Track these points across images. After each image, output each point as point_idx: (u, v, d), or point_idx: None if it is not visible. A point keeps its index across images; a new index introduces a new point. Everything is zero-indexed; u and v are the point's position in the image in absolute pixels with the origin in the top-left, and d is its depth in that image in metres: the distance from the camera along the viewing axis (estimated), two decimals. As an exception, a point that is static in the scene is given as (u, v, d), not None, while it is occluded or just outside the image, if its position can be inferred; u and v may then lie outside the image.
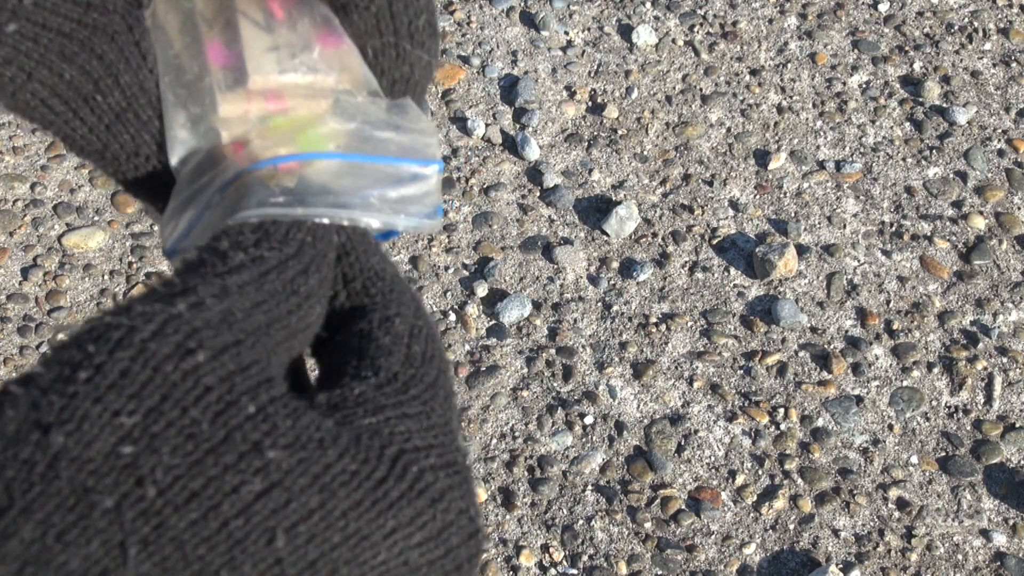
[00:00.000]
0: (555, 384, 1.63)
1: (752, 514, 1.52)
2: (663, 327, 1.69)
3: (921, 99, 1.97)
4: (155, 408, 0.25)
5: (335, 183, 0.30)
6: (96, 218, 1.82)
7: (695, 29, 2.08)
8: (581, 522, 1.51)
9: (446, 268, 1.75)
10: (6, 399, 0.25)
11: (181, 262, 0.29)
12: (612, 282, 1.74)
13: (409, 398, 0.29)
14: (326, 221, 0.30)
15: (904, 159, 1.90)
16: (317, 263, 0.30)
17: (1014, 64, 2.03)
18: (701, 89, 1.99)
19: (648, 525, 1.50)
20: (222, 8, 0.33)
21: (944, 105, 1.96)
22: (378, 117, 0.33)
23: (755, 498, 1.53)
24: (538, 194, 1.84)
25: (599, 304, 1.72)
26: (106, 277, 1.76)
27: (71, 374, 0.25)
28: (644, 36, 2.05)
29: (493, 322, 1.69)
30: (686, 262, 1.76)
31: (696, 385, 1.63)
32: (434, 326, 0.33)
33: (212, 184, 0.32)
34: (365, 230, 0.33)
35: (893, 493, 1.53)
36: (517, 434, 1.59)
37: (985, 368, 1.65)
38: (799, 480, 1.54)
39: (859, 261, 1.77)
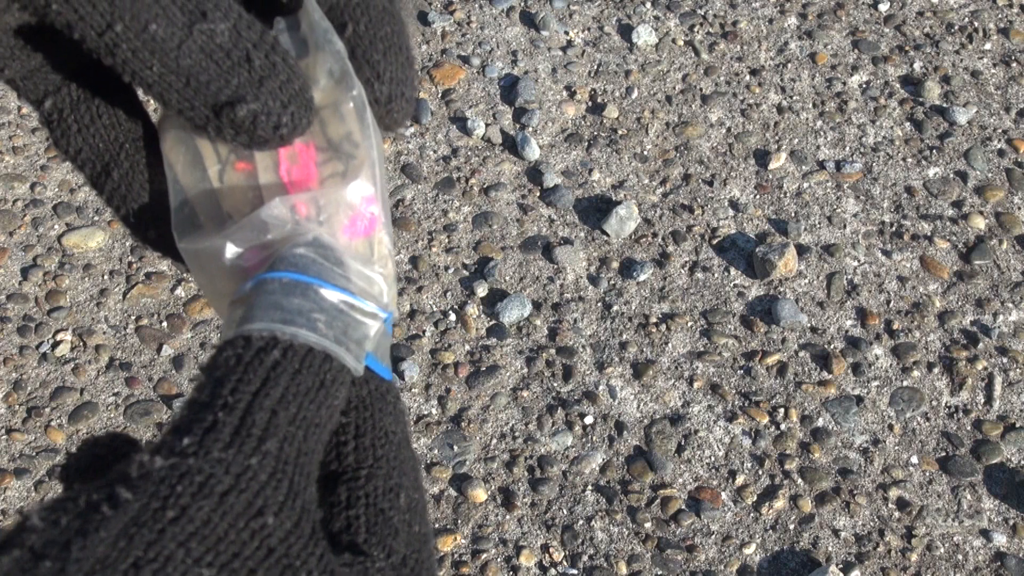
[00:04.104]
0: (555, 384, 1.63)
1: (752, 514, 1.52)
2: (663, 327, 1.69)
3: (921, 99, 1.97)
4: (227, 565, 0.27)
5: (284, 301, 0.31)
6: (96, 218, 1.82)
7: (695, 29, 2.08)
8: (581, 522, 1.51)
9: (446, 268, 1.75)
10: (97, 520, 0.26)
11: (208, 375, 0.30)
12: (612, 282, 1.74)
13: None
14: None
15: (904, 159, 1.90)
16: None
17: (1014, 64, 2.03)
18: (701, 89, 1.99)
19: (648, 525, 1.50)
20: (247, 204, 0.34)
21: (944, 105, 1.96)
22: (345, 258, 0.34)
23: (755, 498, 1.53)
24: (538, 194, 1.84)
25: (599, 304, 1.72)
26: (106, 277, 1.76)
27: (159, 508, 0.26)
28: (644, 36, 2.05)
29: (493, 322, 1.69)
30: (686, 262, 1.76)
31: (696, 385, 1.63)
32: (424, 492, 0.37)
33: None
34: (389, 387, 0.35)
35: (893, 493, 1.53)
36: (517, 434, 1.58)
37: (985, 368, 1.65)
38: (799, 480, 1.54)
39: (859, 261, 1.77)
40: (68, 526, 0.26)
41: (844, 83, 2.00)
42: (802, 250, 1.77)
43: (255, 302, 0.31)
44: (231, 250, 0.33)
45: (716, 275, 1.75)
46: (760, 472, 1.55)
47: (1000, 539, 1.49)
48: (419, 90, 1.96)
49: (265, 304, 0.31)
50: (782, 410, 1.60)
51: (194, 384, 0.30)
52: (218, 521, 0.27)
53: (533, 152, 1.88)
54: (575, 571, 1.47)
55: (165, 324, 1.70)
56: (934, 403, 1.62)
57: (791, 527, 1.50)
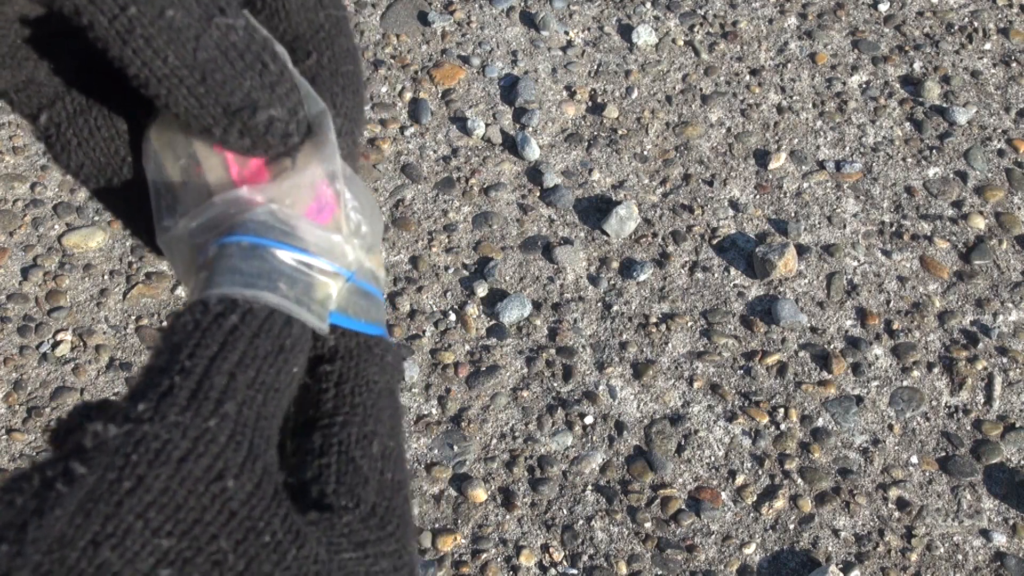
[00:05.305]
0: (555, 384, 1.63)
1: (752, 514, 1.52)
2: (663, 327, 1.69)
3: (921, 99, 1.97)
4: (188, 532, 0.26)
5: (243, 264, 0.31)
6: (96, 218, 1.82)
7: (695, 29, 2.08)
8: (581, 522, 1.51)
9: (446, 268, 1.75)
10: (52, 498, 0.25)
11: (167, 339, 0.30)
12: (612, 282, 1.74)
13: (387, 535, 0.32)
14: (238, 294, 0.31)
15: (904, 159, 1.90)
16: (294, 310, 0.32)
17: (1014, 64, 2.03)
18: (701, 89, 1.99)
19: (648, 525, 1.50)
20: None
21: (944, 105, 1.96)
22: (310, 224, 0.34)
23: (755, 498, 1.53)
24: (538, 194, 1.84)
25: (599, 304, 1.72)
26: (106, 277, 1.76)
27: (115, 480, 0.26)
28: (644, 36, 2.05)
29: (493, 322, 1.69)
30: (686, 262, 1.76)
31: (696, 385, 1.63)
32: (404, 442, 0.36)
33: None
34: (379, 341, 0.35)
35: (893, 493, 1.53)
36: (517, 434, 1.59)
37: (985, 368, 1.65)
38: (799, 480, 1.54)
39: (859, 261, 1.77)
40: (24, 506, 0.25)
41: (844, 83, 2.00)
42: (802, 250, 1.77)
43: (215, 267, 0.31)
44: (190, 225, 0.33)
45: (716, 275, 1.75)
46: (760, 472, 1.55)
47: (1000, 539, 1.49)
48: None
49: (224, 268, 0.31)
50: (782, 410, 1.60)
51: (152, 351, 0.29)
52: (177, 488, 0.26)
53: (533, 152, 1.88)
54: (575, 571, 1.47)
55: (165, 324, 1.70)
56: (934, 403, 1.62)
57: (791, 527, 1.50)
